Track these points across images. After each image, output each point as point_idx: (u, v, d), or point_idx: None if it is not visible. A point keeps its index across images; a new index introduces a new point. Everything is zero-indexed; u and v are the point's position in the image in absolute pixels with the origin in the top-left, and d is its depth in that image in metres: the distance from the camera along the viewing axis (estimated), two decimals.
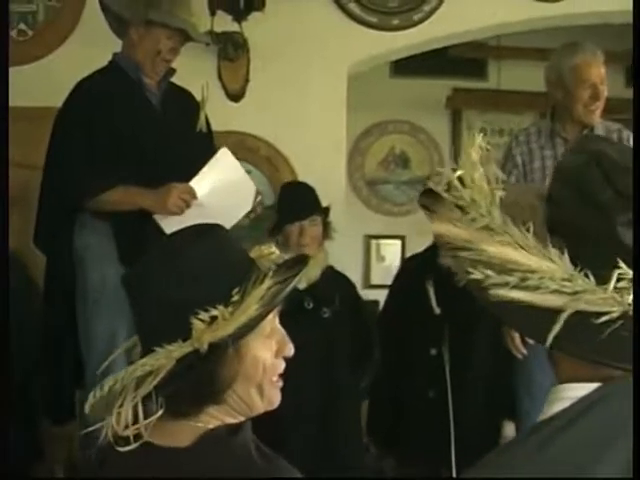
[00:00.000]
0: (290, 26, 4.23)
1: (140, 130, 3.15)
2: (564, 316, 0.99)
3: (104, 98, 3.14)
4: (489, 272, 1.03)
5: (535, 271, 1.02)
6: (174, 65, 3.29)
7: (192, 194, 3.04)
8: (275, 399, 1.50)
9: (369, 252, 6.39)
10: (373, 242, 6.39)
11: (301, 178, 4.15)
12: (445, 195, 1.09)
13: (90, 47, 3.79)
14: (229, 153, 3.19)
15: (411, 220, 5.97)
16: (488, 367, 3.61)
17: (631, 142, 3.48)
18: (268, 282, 1.41)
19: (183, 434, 1.43)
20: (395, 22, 4.34)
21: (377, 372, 3.82)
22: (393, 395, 3.74)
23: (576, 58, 3.49)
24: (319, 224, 3.57)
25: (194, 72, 3.53)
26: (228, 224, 3.06)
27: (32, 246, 3.33)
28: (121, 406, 1.39)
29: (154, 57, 3.19)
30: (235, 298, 1.40)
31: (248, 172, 3.47)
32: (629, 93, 5.49)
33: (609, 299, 0.99)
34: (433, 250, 3.50)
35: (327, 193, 3.77)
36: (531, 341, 3.05)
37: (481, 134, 1.12)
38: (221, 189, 3.10)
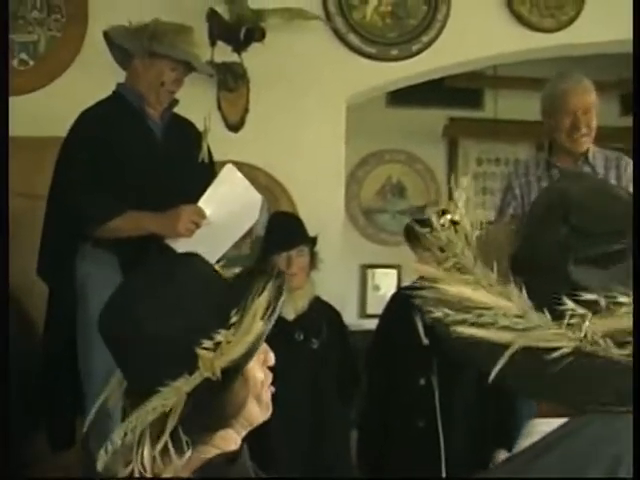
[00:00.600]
0: (290, 57, 4.23)
1: (143, 160, 3.16)
2: (509, 352, 1.01)
3: (107, 128, 3.14)
4: (447, 310, 1.06)
5: (491, 308, 1.04)
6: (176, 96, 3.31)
7: (201, 215, 3.05)
8: (270, 404, 1.51)
9: (365, 281, 6.38)
10: (369, 271, 6.38)
11: (299, 208, 4.16)
12: (428, 236, 1.13)
13: (91, 77, 3.81)
14: (234, 168, 3.19)
15: (407, 250, 5.95)
16: (477, 397, 3.61)
17: (630, 170, 3.50)
18: (266, 296, 1.41)
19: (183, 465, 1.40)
20: (394, 53, 4.34)
21: (366, 400, 3.84)
22: (382, 425, 3.74)
23: (560, 87, 3.51)
24: (306, 254, 3.57)
25: (194, 102, 3.52)
26: (237, 236, 3.13)
27: (31, 276, 3.32)
28: (142, 455, 1.36)
29: (158, 88, 3.21)
30: (234, 319, 1.38)
31: None
32: (624, 122, 5.53)
33: (561, 335, 1.00)
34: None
35: (325, 222, 3.77)
36: None
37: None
38: (228, 203, 3.11)
